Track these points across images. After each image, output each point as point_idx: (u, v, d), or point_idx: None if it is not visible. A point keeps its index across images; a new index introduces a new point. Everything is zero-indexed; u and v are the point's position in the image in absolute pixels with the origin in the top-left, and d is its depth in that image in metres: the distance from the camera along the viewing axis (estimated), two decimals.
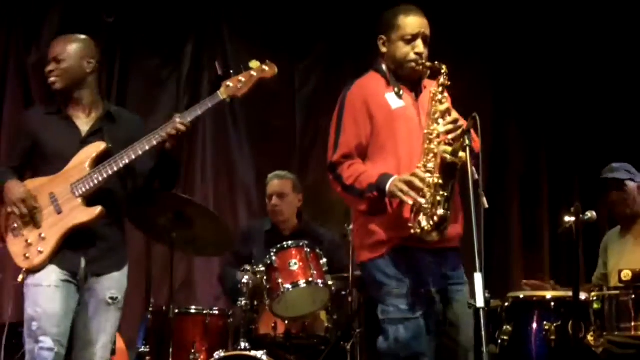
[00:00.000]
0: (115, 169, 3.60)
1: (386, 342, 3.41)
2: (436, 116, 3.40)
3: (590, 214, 4.26)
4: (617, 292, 4.15)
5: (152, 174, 3.84)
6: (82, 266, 3.64)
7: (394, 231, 3.41)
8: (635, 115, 6.57)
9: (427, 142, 3.38)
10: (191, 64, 6.57)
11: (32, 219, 3.62)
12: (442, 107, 3.41)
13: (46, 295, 3.56)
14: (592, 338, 4.15)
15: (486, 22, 6.76)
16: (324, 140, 6.59)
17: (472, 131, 3.34)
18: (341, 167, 3.46)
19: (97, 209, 3.60)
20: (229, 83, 3.72)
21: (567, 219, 4.24)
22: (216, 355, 4.55)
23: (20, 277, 3.65)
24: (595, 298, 4.18)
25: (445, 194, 3.30)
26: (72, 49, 3.76)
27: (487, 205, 3.27)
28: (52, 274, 3.59)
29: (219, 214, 5.21)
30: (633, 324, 4.07)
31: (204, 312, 4.87)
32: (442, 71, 3.46)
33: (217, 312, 4.92)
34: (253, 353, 4.52)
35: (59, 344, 3.55)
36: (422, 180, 3.28)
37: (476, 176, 3.25)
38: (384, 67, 3.59)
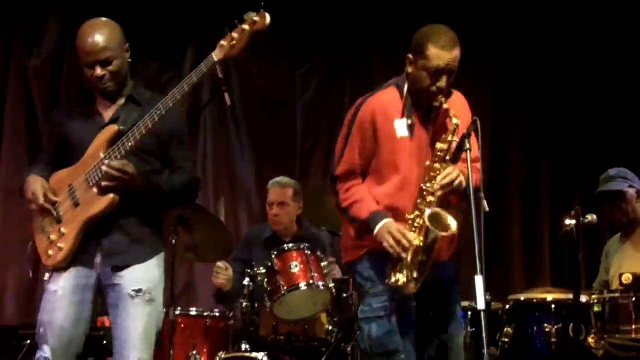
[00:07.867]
0: (123, 152, 3.33)
1: (363, 342, 3.50)
2: (437, 159, 3.37)
3: (591, 217, 4.28)
4: (618, 294, 4.16)
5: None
6: (98, 261, 3.39)
7: (372, 239, 3.45)
8: (636, 118, 6.59)
9: (421, 198, 3.38)
10: (192, 68, 6.54)
11: (52, 214, 3.42)
12: (446, 146, 3.36)
13: (50, 301, 3.38)
14: (593, 341, 4.17)
15: (487, 27, 6.77)
16: (324, 145, 6.70)
17: (474, 136, 3.35)
18: (341, 185, 3.51)
19: (108, 198, 3.33)
20: (223, 42, 3.47)
21: (567, 222, 4.26)
22: (217, 357, 4.56)
23: (46, 276, 3.44)
24: (596, 301, 4.19)
25: (422, 259, 3.33)
26: (118, 44, 3.53)
27: (487, 209, 3.29)
28: (61, 279, 3.38)
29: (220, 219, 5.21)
30: (634, 326, 4.09)
31: (205, 314, 4.85)
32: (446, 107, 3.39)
33: (218, 315, 4.91)
34: (254, 355, 4.52)
35: (60, 354, 3.35)
36: (410, 241, 3.32)
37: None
38: (405, 87, 3.48)
